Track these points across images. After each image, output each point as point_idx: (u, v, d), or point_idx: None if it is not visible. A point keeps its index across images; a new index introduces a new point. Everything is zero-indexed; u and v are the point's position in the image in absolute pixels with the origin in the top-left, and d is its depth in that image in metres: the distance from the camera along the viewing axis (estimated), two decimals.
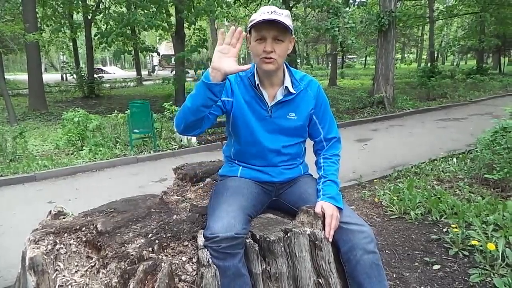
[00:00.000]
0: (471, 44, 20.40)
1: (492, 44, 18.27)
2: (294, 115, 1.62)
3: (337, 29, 8.83)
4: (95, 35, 10.82)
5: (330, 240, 1.44)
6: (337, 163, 1.69)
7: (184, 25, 11.14)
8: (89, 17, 14.48)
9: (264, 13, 1.46)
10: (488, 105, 10.63)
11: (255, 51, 1.52)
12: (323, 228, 1.46)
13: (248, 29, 1.54)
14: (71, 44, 17.05)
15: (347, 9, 10.73)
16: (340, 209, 1.51)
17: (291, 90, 1.59)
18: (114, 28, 9.81)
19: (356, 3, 12.62)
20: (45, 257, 1.32)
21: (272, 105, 1.60)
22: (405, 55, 38.04)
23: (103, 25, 11.74)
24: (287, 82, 1.59)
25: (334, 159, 1.68)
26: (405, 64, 33.04)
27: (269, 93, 1.61)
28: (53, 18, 13.88)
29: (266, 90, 1.61)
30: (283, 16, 1.46)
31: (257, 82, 1.58)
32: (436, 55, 25.14)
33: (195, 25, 10.99)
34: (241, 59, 41.69)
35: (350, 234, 1.45)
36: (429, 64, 16.61)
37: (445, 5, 21.36)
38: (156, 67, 26.01)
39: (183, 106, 1.44)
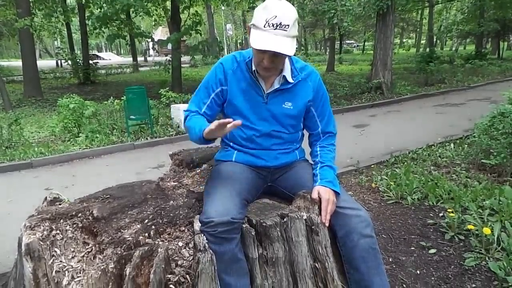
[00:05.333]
0: (470, 28, 20.21)
1: (491, 28, 18.07)
2: (290, 104, 1.60)
3: (333, 11, 8.73)
4: (88, 19, 10.57)
5: (327, 224, 1.45)
6: (333, 152, 1.69)
7: (180, 9, 10.92)
8: (83, 2, 14.18)
9: (269, 25, 1.34)
10: (487, 91, 10.59)
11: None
12: (320, 213, 1.46)
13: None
14: (65, 29, 16.74)
15: None
16: (337, 193, 1.50)
17: (289, 79, 1.57)
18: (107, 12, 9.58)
19: None
20: (41, 243, 1.32)
21: (268, 92, 1.58)
22: (404, 40, 37.69)
23: (97, 9, 11.47)
24: (286, 71, 1.56)
25: (330, 147, 1.68)
26: (403, 49, 32.74)
27: (266, 80, 1.58)
28: (46, 3, 13.57)
29: (263, 77, 1.58)
30: (290, 27, 1.35)
31: (253, 68, 1.55)
32: (434, 40, 24.91)
33: (189, 10, 10.78)
34: (238, 45, 41.30)
35: (347, 218, 1.45)
36: (427, 49, 16.46)
37: None
38: (152, 52, 25.58)
39: (191, 134, 1.52)
